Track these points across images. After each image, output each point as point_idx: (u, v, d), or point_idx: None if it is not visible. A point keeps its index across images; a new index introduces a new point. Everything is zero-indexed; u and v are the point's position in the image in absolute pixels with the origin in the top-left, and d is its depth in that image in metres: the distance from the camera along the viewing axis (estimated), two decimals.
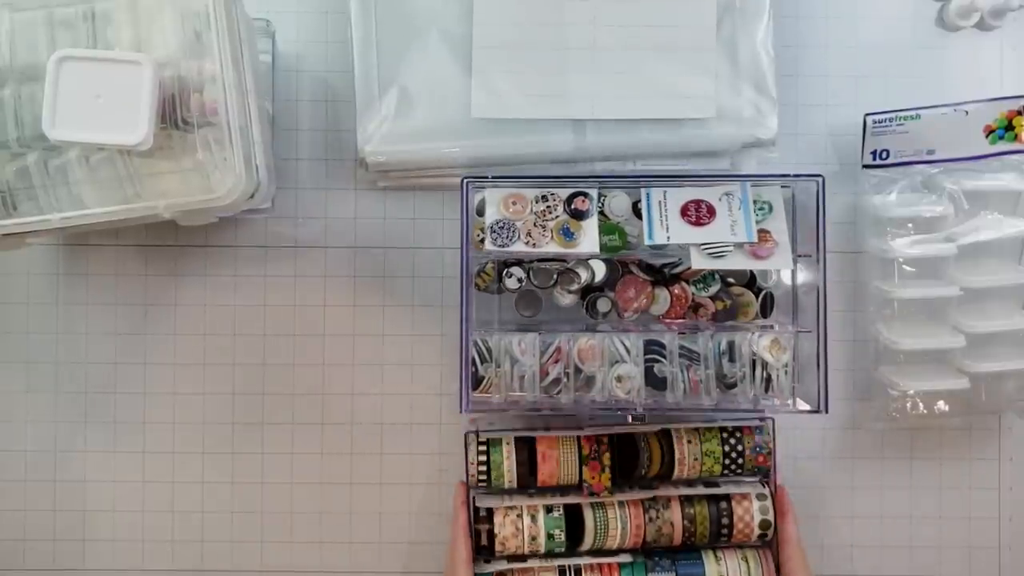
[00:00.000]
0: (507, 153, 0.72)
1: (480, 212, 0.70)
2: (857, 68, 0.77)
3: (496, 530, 0.70)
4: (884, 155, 0.73)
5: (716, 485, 0.73)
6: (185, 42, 0.59)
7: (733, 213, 0.69)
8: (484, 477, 0.71)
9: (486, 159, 0.73)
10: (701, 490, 0.72)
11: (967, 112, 0.70)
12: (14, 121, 0.59)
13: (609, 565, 0.71)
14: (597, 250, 0.68)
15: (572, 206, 0.69)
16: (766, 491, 0.72)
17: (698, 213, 0.69)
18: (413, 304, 0.76)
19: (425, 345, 0.76)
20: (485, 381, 0.68)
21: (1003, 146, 0.70)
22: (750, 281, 0.72)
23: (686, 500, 0.71)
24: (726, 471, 0.71)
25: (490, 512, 0.71)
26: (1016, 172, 0.71)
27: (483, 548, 0.70)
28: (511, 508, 0.71)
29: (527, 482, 0.71)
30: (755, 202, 0.69)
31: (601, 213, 0.70)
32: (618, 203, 0.71)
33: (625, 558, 0.71)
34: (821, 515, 0.77)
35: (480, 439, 0.71)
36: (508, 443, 0.71)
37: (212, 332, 0.75)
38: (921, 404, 0.72)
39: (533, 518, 0.70)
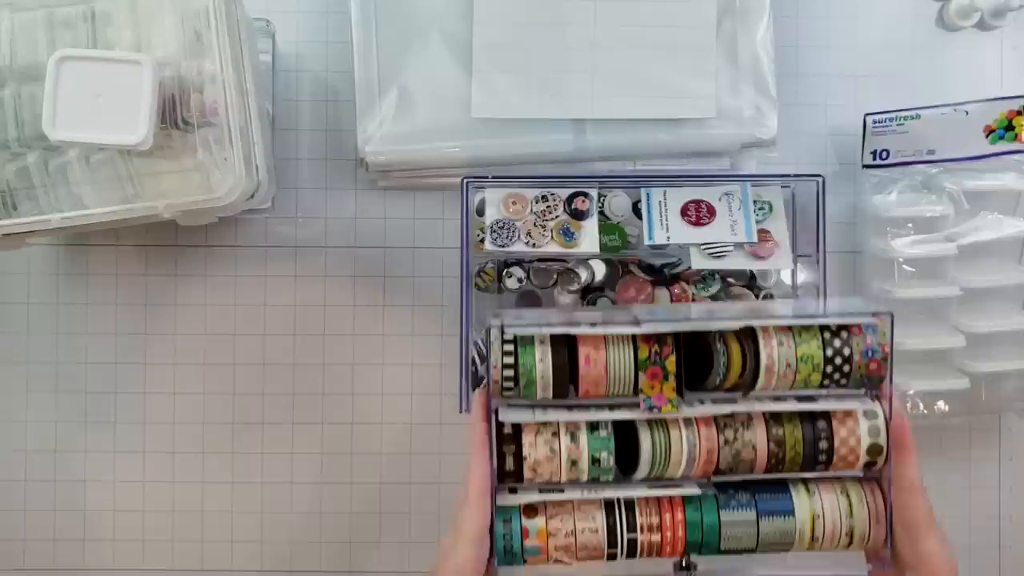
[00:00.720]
0: (507, 153, 0.72)
1: (480, 212, 0.70)
2: (857, 68, 0.77)
3: (526, 451, 0.54)
4: (884, 155, 0.73)
5: (812, 400, 0.56)
6: (185, 42, 0.59)
7: (733, 213, 0.69)
8: (510, 384, 0.55)
9: (486, 159, 0.73)
10: (794, 405, 0.56)
11: (967, 112, 0.70)
12: (14, 121, 0.59)
13: (671, 500, 0.55)
14: (597, 250, 0.68)
15: (572, 206, 0.69)
16: (877, 408, 0.56)
17: (698, 213, 0.69)
18: (413, 304, 0.76)
19: (425, 345, 0.76)
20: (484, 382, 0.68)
21: (1003, 146, 0.70)
22: (750, 281, 0.72)
23: (773, 418, 0.56)
24: (827, 382, 0.56)
25: (517, 429, 0.55)
26: (1016, 172, 0.71)
27: (509, 474, 0.55)
28: (545, 425, 0.55)
29: (566, 393, 0.56)
30: (755, 202, 0.69)
31: (601, 213, 0.70)
32: (618, 203, 0.71)
33: (692, 490, 0.56)
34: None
35: (506, 336, 0.56)
36: (543, 341, 0.55)
37: (212, 332, 0.75)
38: (921, 404, 0.72)
39: (573, 437, 0.55)
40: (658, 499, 0.56)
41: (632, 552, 0.55)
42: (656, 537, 0.55)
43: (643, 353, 0.55)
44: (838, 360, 0.55)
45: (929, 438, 0.77)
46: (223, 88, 0.58)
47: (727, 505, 0.55)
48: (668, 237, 0.68)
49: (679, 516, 0.55)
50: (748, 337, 0.56)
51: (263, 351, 0.76)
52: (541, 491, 0.56)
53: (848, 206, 0.77)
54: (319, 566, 0.76)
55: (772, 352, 0.55)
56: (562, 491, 0.55)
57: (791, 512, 0.56)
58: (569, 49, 0.72)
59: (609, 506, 0.55)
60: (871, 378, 0.56)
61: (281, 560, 0.76)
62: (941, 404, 0.73)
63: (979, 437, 0.78)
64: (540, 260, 0.70)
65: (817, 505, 0.56)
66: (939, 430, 0.77)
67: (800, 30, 0.77)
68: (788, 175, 0.70)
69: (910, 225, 0.71)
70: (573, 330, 0.55)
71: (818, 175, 0.69)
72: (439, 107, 0.72)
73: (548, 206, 0.70)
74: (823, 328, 0.56)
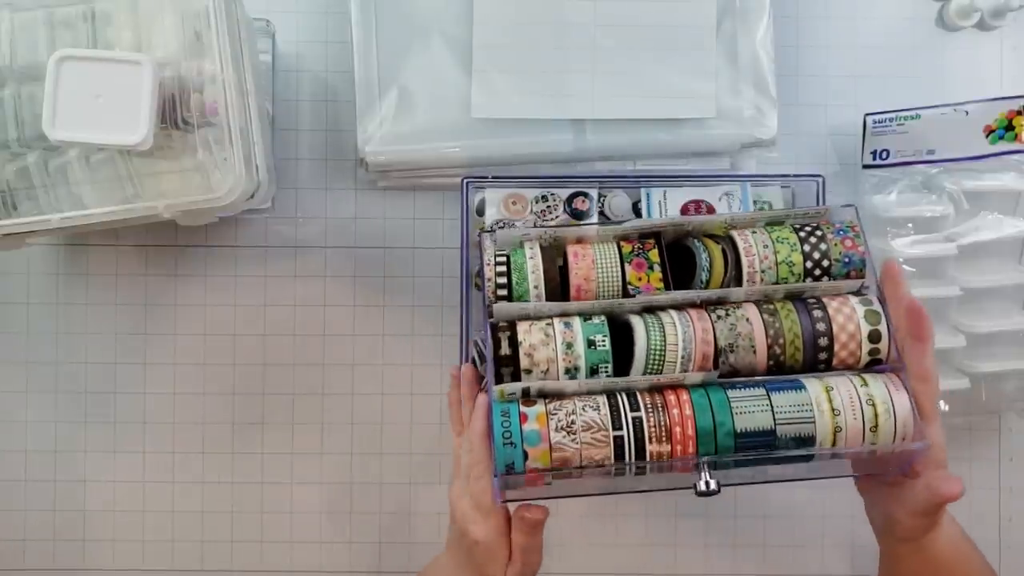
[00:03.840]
0: (507, 153, 0.72)
1: (480, 212, 0.70)
2: (857, 68, 0.77)
3: (521, 337, 0.54)
4: (884, 155, 0.73)
5: (801, 294, 0.57)
6: (185, 42, 0.59)
7: None
8: (504, 282, 0.56)
9: (486, 159, 0.73)
10: (785, 288, 0.57)
11: (967, 112, 0.70)
12: (14, 121, 0.59)
13: (675, 388, 0.54)
14: None
15: (572, 206, 0.70)
16: (870, 296, 0.56)
17: (698, 213, 0.69)
18: (413, 304, 0.76)
19: (425, 345, 0.76)
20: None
21: (1003, 146, 0.70)
22: None
23: (766, 302, 0.56)
24: (810, 265, 0.57)
25: (512, 323, 0.56)
26: (1016, 172, 0.71)
27: (505, 360, 0.55)
28: (539, 317, 0.56)
29: (557, 295, 0.58)
30: (755, 202, 0.69)
31: (601, 213, 0.70)
32: (618, 203, 0.71)
33: (695, 378, 0.54)
34: (821, 515, 0.77)
35: (499, 246, 0.59)
36: (532, 246, 0.59)
37: (212, 332, 0.75)
38: None
39: (567, 324, 0.55)
40: (661, 390, 0.54)
41: (639, 440, 0.52)
42: (663, 417, 0.53)
43: (627, 249, 0.58)
44: (813, 239, 0.57)
45: None
46: (223, 88, 0.58)
47: (733, 387, 0.54)
48: None
49: (685, 397, 0.53)
50: (726, 240, 0.58)
51: (263, 351, 0.76)
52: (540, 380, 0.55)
53: None
54: (319, 566, 0.76)
55: (748, 238, 0.57)
56: (560, 388, 0.54)
57: (802, 386, 0.54)
58: (569, 49, 0.72)
59: (611, 394, 0.54)
60: (851, 257, 0.57)
61: (281, 560, 0.76)
62: (941, 404, 0.73)
63: (979, 437, 0.78)
64: None
65: (829, 381, 0.54)
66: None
67: (800, 30, 0.77)
68: (788, 175, 0.70)
69: (910, 225, 0.71)
70: (562, 230, 0.59)
71: (818, 175, 0.69)
72: (439, 107, 0.72)
73: (548, 206, 0.70)
74: (796, 229, 0.58)
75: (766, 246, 0.58)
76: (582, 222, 0.69)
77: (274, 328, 0.76)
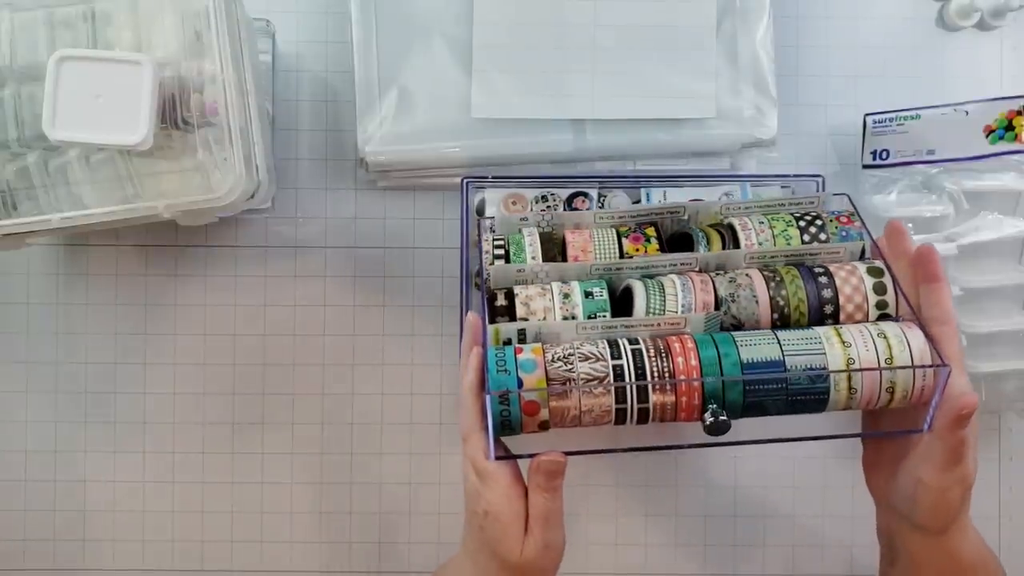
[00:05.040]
0: (507, 153, 0.72)
1: (480, 212, 0.70)
2: (857, 68, 0.77)
3: (517, 289, 0.54)
4: (884, 155, 0.73)
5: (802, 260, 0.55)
6: (185, 42, 0.59)
7: None
8: (502, 253, 0.57)
9: (486, 159, 0.73)
10: (783, 250, 0.55)
11: (967, 112, 0.70)
12: (14, 121, 0.59)
13: (680, 337, 0.51)
14: None
15: (572, 206, 0.70)
16: (879, 264, 0.54)
17: None
18: (413, 304, 0.76)
19: (425, 345, 0.76)
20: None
21: (1003, 146, 0.70)
22: None
23: (766, 271, 0.54)
24: (807, 239, 0.56)
25: (509, 288, 0.55)
26: (1016, 172, 0.71)
27: (501, 311, 0.53)
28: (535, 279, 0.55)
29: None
30: None
31: None
32: (618, 203, 0.71)
33: (697, 319, 0.51)
34: (822, 515, 0.77)
35: (496, 232, 0.59)
36: (530, 233, 0.59)
37: (212, 332, 0.75)
38: None
39: (564, 281, 0.54)
40: (664, 337, 0.50)
41: (640, 374, 0.49)
42: (665, 361, 0.49)
43: (623, 230, 0.58)
44: (809, 216, 0.56)
45: None
46: (223, 88, 0.58)
47: (736, 329, 0.51)
48: None
49: (689, 344, 0.50)
50: (727, 229, 0.57)
51: (263, 351, 0.76)
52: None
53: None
54: (319, 566, 0.76)
55: (748, 225, 0.56)
56: (557, 332, 0.51)
57: (808, 326, 0.51)
58: (569, 49, 0.72)
59: (613, 346, 0.51)
60: (848, 231, 0.56)
61: (281, 560, 0.76)
62: None
63: (979, 437, 0.78)
64: None
65: (840, 327, 0.51)
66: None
67: (800, 30, 0.77)
68: (788, 175, 0.70)
69: (910, 225, 0.71)
70: (559, 216, 0.58)
71: (818, 175, 0.69)
72: (439, 107, 0.72)
73: (548, 206, 0.70)
74: (795, 217, 0.57)
75: (761, 222, 0.57)
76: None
77: (274, 328, 0.76)
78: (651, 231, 0.57)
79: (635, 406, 0.49)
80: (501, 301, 0.53)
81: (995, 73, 0.78)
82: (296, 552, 0.76)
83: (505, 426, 0.51)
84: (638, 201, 0.70)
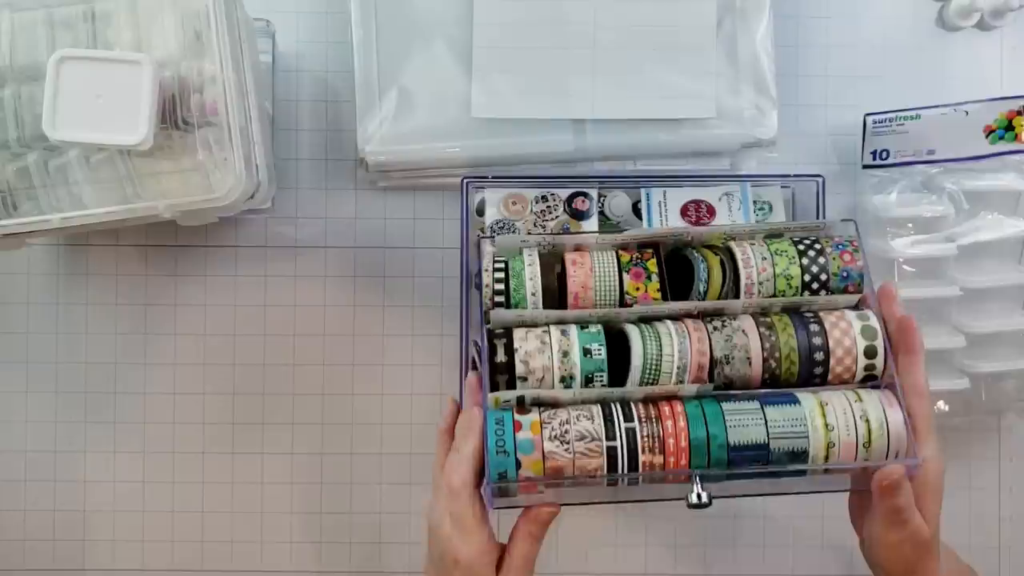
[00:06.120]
0: (507, 153, 0.72)
1: (480, 212, 0.70)
2: (857, 68, 0.77)
3: (516, 344, 0.55)
4: (884, 155, 0.73)
5: (799, 308, 0.58)
6: (185, 42, 0.59)
7: (733, 213, 0.69)
8: (502, 288, 0.57)
9: (486, 159, 0.73)
10: (783, 302, 0.57)
11: (967, 112, 0.70)
12: (14, 121, 0.59)
13: (669, 400, 0.54)
14: None
15: (572, 206, 0.70)
16: (867, 312, 0.57)
17: (698, 213, 0.69)
18: (413, 304, 0.76)
19: (425, 345, 0.76)
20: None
21: (1003, 146, 0.70)
22: None
23: (762, 316, 0.57)
24: (808, 279, 0.58)
25: (508, 330, 0.56)
26: (1016, 172, 0.71)
27: (500, 367, 0.55)
28: (535, 325, 0.56)
29: (555, 305, 0.58)
30: (755, 202, 0.69)
31: (601, 213, 0.70)
32: (618, 203, 0.71)
33: (690, 389, 0.54)
34: (822, 515, 0.77)
35: (496, 252, 0.59)
36: (531, 253, 0.59)
37: (212, 332, 0.75)
38: None
39: (564, 332, 0.55)
40: (656, 401, 0.54)
41: (632, 450, 0.52)
42: (657, 428, 0.53)
43: (625, 258, 0.58)
44: (811, 253, 0.58)
45: None
46: (223, 88, 0.58)
47: (728, 399, 0.54)
48: None
49: (680, 409, 0.54)
50: (723, 250, 0.58)
51: (263, 351, 0.76)
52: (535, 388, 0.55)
53: (848, 206, 0.77)
54: (319, 566, 0.76)
55: (747, 249, 0.57)
56: (555, 397, 0.54)
57: (796, 400, 0.54)
58: (569, 49, 0.72)
59: (606, 407, 0.54)
60: (849, 271, 0.58)
61: (281, 560, 0.76)
62: (941, 404, 0.73)
63: (979, 437, 0.78)
64: None
65: (823, 396, 0.54)
66: (939, 430, 0.77)
67: (800, 30, 0.77)
68: (788, 175, 0.70)
69: (910, 225, 0.71)
70: (560, 238, 0.59)
71: (818, 175, 0.69)
72: (439, 107, 0.72)
73: (548, 206, 0.70)
74: (796, 242, 0.59)
75: (764, 258, 0.58)
76: (582, 222, 0.69)
77: (274, 328, 0.76)
78: (652, 264, 0.58)
79: (626, 483, 0.54)
80: (501, 357, 0.54)
81: (995, 73, 0.78)
82: (296, 552, 0.76)
83: (501, 493, 0.55)
84: (638, 201, 0.70)
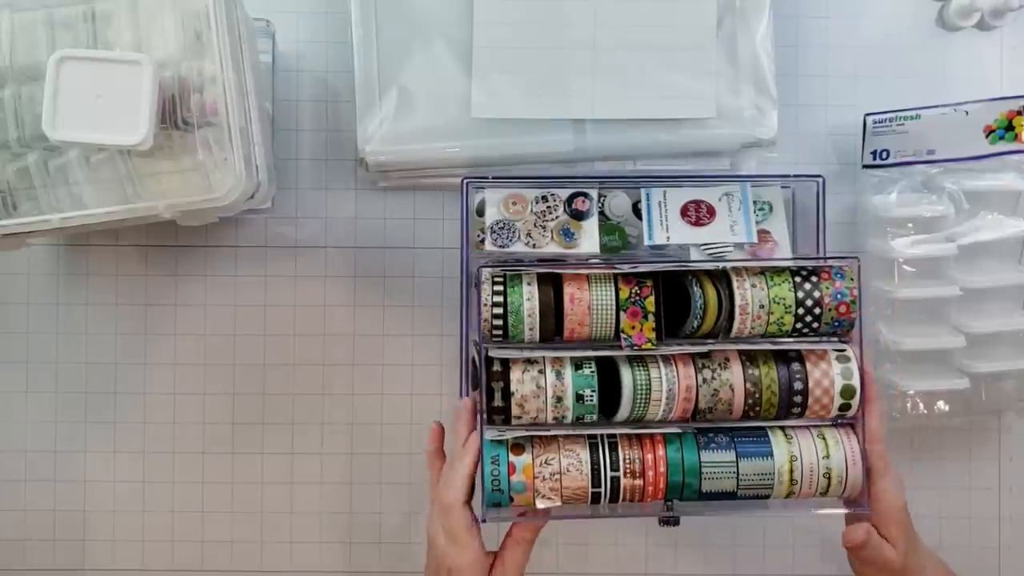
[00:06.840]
0: (507, 153, 0.72)
1: (480, 212, 0.70)
2: (857, 68, 0.77)
3: (513, 387, 0.58)
4: (884, 155, 0.73)
5: (785, 345, 0.61)
6: (185, 42, 0.59)
7: (733, 213, 0.69)
8: (500, 323, 0.59)
9: (486, 159, 0.73)
10: (768, 345, 0.60)
11: (967, 112, 0.70)
12: (14, 121, 0.59)
13: (652, 440, 0.59)
14: (597, 250, 0.68)
15: (572, 206, 0.69)
16: (849, 352, 0.60)
17: (698, 213, 0.69)
18: (413, 304, 0.76)
19: (425, 345, 0.76)
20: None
21: (1003, 146, 0.70)
22: None
23: (748, 359, 0.59)
24: (799, 324, 0.60)
25: (506, 368, 0.59)
26: (1016, 172, 0.71)
27: (497, 410, 0.59)
28: (532, 363, 0.59)
29: (552, 336, 0.61)
30: (755, 202, 0.69)
31: (601, 213, 0.70)
32: (618, 203, 0.71)
33: (672, 428, 0.59)
34: (822, 515, 0.77)
35: (496, 274, 0.61)
36: (530, 282, 0.60)
37: (212, 332, 0.75)
38: (921, 404, 0.72)
39: (559, 375, 0.59)
40: (640, 439, 0.59)
41: (615, 493, 0.59)
42: (639, 481, 0.59)
43: (624, 293, 0.60)
44: (809, 302, 0.60)
45: (929, 438, 0.77)
46: (223, 88, 0.58)
47: (707, 446, 0.59)
48: (668, 237, 0.68)
49: (660, 452, 0.59)
50: (723, 282, 0.61)
51: (263, 351, 0.76)
52: (528, 429, 0.60)
53: (848, 206, 0.77)
54: (319, 566, 0.76)
55: (746, 293, 0.60)
56: (548, 431, 0.60)
57: (769, 453, 0.59)
58: (569, 49, 0.72)
59: (593, 446, 0.59)
60: (841, 321, 0.60)
61: (281, 560, 0.76)
62: (941, 404, 0.73)
63: (979, 437, 0.78)
64: (540, 260, 0.70)
65: (795, 447, 0.59)
66: (939, 430, 0.77)
67: (800, 30, 0.77)
68: (788, 175, 0.70)
69: (910, 225, 0.71)
70: (559, 270, 0.61)
71: (818, 175, 0.69)
72: (439, 107, 0.72)
73: (548, 206, 0.70)
74: (794, 274, 0.61)
75: (762, 306, 0.60)
76: (582, 222, 0.69)
77: (274, 328, 0.76)
78: (650, 303, 0.60)
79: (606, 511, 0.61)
80: (498, 402, 0.59)
81: (995, 73, 0.78)
82: (296, 552, 0.76)
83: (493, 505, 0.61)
84: (638, 201, 0.70)
